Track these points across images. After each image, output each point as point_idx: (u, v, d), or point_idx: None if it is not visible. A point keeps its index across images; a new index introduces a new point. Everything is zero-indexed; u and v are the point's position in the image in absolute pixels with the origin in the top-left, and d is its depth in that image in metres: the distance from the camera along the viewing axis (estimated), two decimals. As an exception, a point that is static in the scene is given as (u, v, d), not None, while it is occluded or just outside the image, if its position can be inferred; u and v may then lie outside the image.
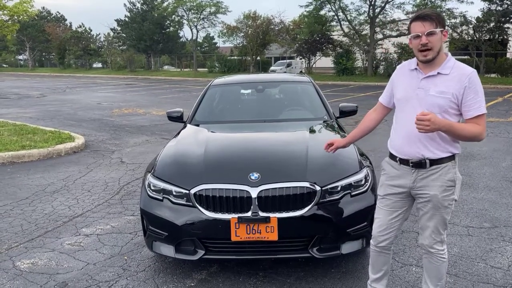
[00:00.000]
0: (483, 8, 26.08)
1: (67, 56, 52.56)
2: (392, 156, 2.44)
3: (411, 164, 2.32)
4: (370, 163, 3.39)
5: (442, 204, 2.30)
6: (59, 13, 62.69)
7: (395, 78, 2.48)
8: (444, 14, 26.48)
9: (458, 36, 27.08)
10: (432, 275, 2.45)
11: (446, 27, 2.31)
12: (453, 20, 26.73)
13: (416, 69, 2.33)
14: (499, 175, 5.64)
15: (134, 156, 7.12)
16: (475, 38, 26.44)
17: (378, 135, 5.87)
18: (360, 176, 3.04)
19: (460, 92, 2.19)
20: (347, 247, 2.94)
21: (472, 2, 37.82)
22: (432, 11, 2.23)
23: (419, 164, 2.30)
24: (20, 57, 66.14)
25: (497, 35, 26.13)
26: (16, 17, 27.74)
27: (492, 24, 25.64)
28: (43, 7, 60.20)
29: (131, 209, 4.60)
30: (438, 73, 2.24)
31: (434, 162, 2.27)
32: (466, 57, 28.12)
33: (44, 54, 62.36)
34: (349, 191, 2.95)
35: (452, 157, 2.29)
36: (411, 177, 2.34)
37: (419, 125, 2.09)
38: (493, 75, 25.95)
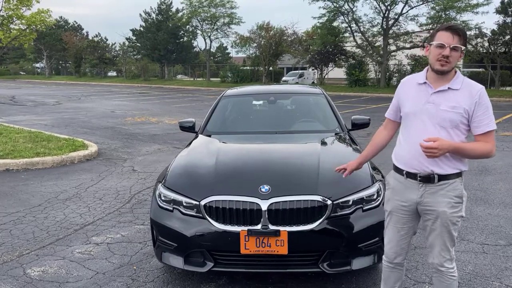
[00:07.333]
0: (498, 21, 25.86)
1: (83, 64, 53.58)
2: (398, 170, 2.39)
3: (419, 179, 2.29)
4: (383, 177, 3.34)
5: (451, 221, 2.26)
6: (76, 23, 64.24)
7: (401, 91, 2.43)
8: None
9: (473, 49, 26.83)
10: None
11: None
12: (468, 32, 26.51)
13: (425, 83, 2.30)
14: (515, 191, 5.51)
15: (145, 165, 7.16)
16: (490, 50, 26.15)
17: (390, 147, 5.78)
18: (372, 190, 3.01)
19: (471, 108, 2.18)
20: (358, 263, 2.90)
21: (487, 12, 37.51)
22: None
23: (428, 179, 2.26)
24: (37, 65, 67.43)
25: (512, 48, 25.82)
26: (33, 27, 28.41)
27: (507, 37, 25.36)
28: (61, 17, 61.68)
29: (141, 218, 4.60)
30: (449, 88, 2.23)
31: (443, 177, 2.24)
32: (481, 69, 27.78)
33: (60, 62, 63.57)
34: (361, 205, 2.92)
35: (459, 174, 2.27)
36: (418, 192, 2.30)
37: (427, 152, 2.11)
38: (508, 88, 25.58)
